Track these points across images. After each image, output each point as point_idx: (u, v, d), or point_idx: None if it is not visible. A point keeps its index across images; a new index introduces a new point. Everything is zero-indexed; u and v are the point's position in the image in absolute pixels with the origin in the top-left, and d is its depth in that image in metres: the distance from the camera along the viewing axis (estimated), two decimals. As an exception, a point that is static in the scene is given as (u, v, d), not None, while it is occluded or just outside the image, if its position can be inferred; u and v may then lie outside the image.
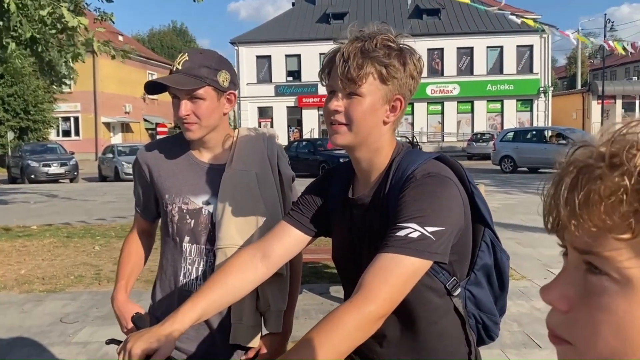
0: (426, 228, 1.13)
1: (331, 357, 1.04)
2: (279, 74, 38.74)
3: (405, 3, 40.47)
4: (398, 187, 1.24)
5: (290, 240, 1.42)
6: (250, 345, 1.73)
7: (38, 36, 7.22)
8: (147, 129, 41.41)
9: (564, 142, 19.93)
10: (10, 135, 27.50)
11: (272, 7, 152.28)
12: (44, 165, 21.56)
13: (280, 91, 38.62)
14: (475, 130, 34.84)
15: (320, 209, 1.45)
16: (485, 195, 2.13)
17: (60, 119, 35.99)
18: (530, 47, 37.35)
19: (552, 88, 38.80)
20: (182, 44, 57.08)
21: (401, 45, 1.27)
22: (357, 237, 1.36)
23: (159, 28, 61.97)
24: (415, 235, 1.12)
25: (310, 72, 38.57)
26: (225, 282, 1.34)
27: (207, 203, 1.73)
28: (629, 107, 39.18)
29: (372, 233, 1.30)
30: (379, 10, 40.09)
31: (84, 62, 8.64)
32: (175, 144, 1.81)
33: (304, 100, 38.57)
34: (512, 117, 37.36)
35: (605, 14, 44.30)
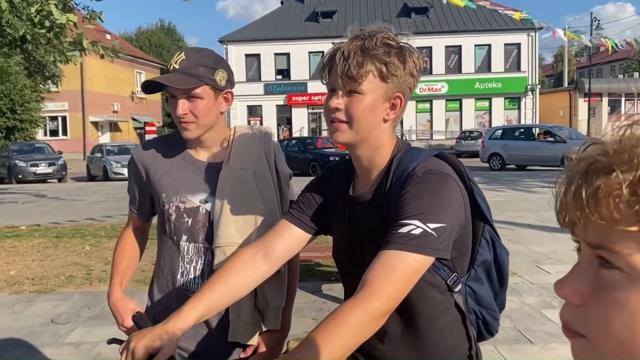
0: (428, 225, 1.14)
1: (336, 355, 1.05)
2: (268, 73, 38.67)
3: (394, 1, 40.56)
4: (399, 184, 1.25)
5: (291, 239, 1.42)
6: (248, 342, 1.74)
7: (28, 36, 7.15)
8: (136, 128, 41.14)
9: (551, 139, 20.10)
10: (-3, 135, 27.23)
11: (260, 6, 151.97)
12: (32, 165, 21.35)
13: (269, 90, 38.55)
14: (463, 128, 34.99)
15: (320, 207, 1.46)
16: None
17: (47, 118, 35.64)
18: (518, 45, 37.60)
19: (539, 86, 39.10)
20: (170, 42, 56.70)
21: (401, 44, 1.29)
22: (357, 235, 1.36)
23: (147, 26, 61.53)
24: (417, 232, 1.13)
25: (300, 71, 38.57)
26: (227, 281, 1.34)
27: (205, 201, 1.73)
28: (615, 105, 39.59)
29: (373, 230, 1.31)
30: (367, 8, 40.13)
31: (75, 64, 8.58)
32: (172, 142, 1.81)
33: (293, 98, 38.53)
34: (500, 115, 37.58)
35: (591, 13, 44.70)
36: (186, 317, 1.25)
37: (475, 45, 37.78)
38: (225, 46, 37.81)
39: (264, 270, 1.40)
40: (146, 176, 1.78)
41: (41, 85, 31.56)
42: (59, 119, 37.49)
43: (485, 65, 38.08)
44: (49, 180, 21.52)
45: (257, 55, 38.30)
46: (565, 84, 47.36)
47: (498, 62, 37.82)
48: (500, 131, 22.30)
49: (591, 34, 31.59)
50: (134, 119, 41.19)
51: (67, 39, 7.98)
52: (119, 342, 1.28)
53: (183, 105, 1.63)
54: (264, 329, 1.80)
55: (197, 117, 1.65)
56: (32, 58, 8.89)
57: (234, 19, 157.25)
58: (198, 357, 1.71)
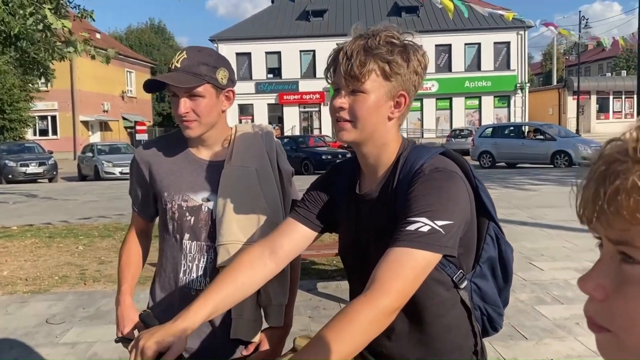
0: (436, 222, 1.15)
1: (347, 352, 1.06)
2: (259, 71, 38.62)
3: (385, 0, 40.63)
4: (406, 182, 1.26)
5: (298, 237, 1.43)
6: (251, 339, 1.75)
7: (22, 34, 7.08)
8: (126, 128, 40.93)
9: (541, 137, 20.25)
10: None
11: (250, 5, 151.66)
12: (22, 165, 21.19)
13: (260, 88, 38.50)
14: (454, 127, 35.14)
15: (326, 205, 1.47)
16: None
17: (37, 118, 35.39)
18: (507, 43, 37.81)
19: (528, 84, 39.32)
20: (160, 41, 56.41)
21: (405, 42, 1.30)
22: (364, 233, 1.37)
23: (136, 25, 61.19)
24: (425, 229, 1.14)
25: (291, 69, 38.56)
26: (235, 279, 1.35)
27: (207, 200, 1.74)
28: (603, 102, 39.89)
29: (380, 228, 1.32)
30: (358, 7, 40.18)
31: (70, 60, 8.51)
32: (173, 141, 1.81)
33: (284, 97, 38.50)
34: (490, 113, 37.79)
35: (580, 11, 45.07)
36: (195, 316, 1.26)
37: (465, 44, 37.96)
38: (216, 45, 37.69)
39: (271, 268, 1.41)
40: (149, 175, 1.78)
41: (30, 85, 31.34)
42: (49, 118, 37.21)
43: (475, 63, 38.27)
44: (39, 180, 21.35)
45: (248, 54, 38.24)
46: (554, 82, 47.68)
47: (488, 60, 38.02)
48: (491, 129, 22.43)
49: (580, 31, 31.84)
50: (124, 118, 40.97)
51: (61, 40, 7.94)
52: (127, 340, 1.29)
53: (185, 104, 1.64)
54: (265, 325, 1.81)
55: (199, 115, 1.65)
56: (26, 55, 8.80)
57: (224, 18, 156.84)
58: (201, 355, 1.72)
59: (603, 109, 40.07)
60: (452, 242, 1.18)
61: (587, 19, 39.02)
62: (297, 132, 36.30)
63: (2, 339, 4.33)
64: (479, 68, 38.06)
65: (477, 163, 21.32)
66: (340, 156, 21.66)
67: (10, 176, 20.94)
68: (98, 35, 35.26)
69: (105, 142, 26.93)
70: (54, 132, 37.38)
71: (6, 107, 29.90)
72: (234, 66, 1.87)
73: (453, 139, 30.43)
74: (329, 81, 1.35)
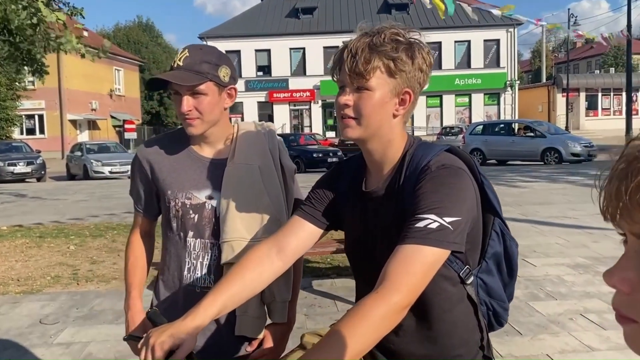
0: (444, 218, 1.16)
1: (360, 348, 1.06)
2: (249, 69, 38.53)
3: (374, -2, 40.67)
4: (413, 179, 1.27)
5: (304, 234, 1.44)
6: (255, 336, 1.76)
7: (14, 28, 7.01)
8: (115, 126, 40.65)
9: (531, 134, 20.40)
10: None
11: (239, 2, 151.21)
12: (9, 165, 20.97)
13: (250, 86, 38.41)
14: (444, 124, 35.29)
15: (331, 203, 1.47)
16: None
17: (24, 116, 35.07)
18: (497, 41, 38.01)
19: (518, 82, 39.57)
20: (148, 39, 56.05)
21: (411, 39, 1.30)
22: (370, 230, 1.38)
23: (124, 23, 60.79)
24: (434, 225, 1.15)
25: (281, 67, 38.50)
26: (243, 277, 1.35)
27: (210, 197, 1.74)
28: (592, 99, 40.20)
29: (386, 225, 1.32)
30: (347, 5, 40.18)
31: (65, 52, 8.43)
32: (175, 139, 1.81)
33: (274, 95, 38.45)
34: (480, 111, 37.97)
35: (569, 9, 45.44)
36: (204, 314, 1.26)
37: (455, 42, 38.09)
38: (205, 42, 37.55)
39: (278, 266, 1.41)
40: (151, 174, 1.78)
41: (17, 83, 31.03)
42: (36, 117, 36.86)
43: (465, 61, 38.44)
44: (27, 180, 21.17)
45: (238, 52, 38.12)
46: (544, 80, 48.00)
47: (477, 58, 38.20)
48: (481, 127, 22.57)
49: (569, 28, 32.03)
50: (112, 117, 40.68)
51: (56, 34, 7.86)
52: (137, 338, 1.28)
53: (187, 102, 1.64)
54: (269, 322, 1.82)
55: (202, 113, 1.66)
56: (19, 50, 8.69)
57: (213, 15, 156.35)
58: (207, 352, 1.72)
59: (592, 106, 40.41)
60: (460, 238, 1.19)
61: (575, 17, 39.33)
62: (287, 130, 36.29)
63: (-4, 339, 4.30)
64: (469, 65, 38.24)
65: (468, 160, 21.40)
66: (331, 154, 21.68)
67: (-2, 176, 20.75)
68: (86, 34, 35.00)
69: (94, 141, 26.75)
70: (42, 131, 37.03)
71: (-7, 105, 29.64)
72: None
73: (444, 137, 30.55)
74: (334, 79, 1.35)
